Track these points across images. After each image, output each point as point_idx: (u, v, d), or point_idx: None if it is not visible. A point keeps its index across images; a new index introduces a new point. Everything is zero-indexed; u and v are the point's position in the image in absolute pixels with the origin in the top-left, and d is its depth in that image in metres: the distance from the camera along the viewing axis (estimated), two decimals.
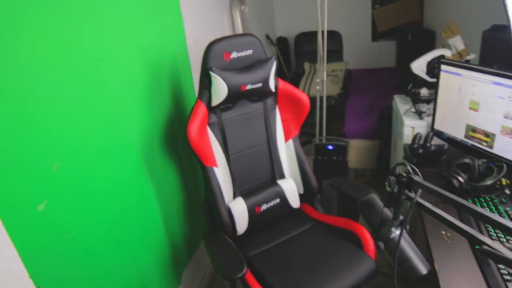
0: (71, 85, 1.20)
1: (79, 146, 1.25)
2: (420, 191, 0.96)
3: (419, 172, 0.99)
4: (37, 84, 1.07)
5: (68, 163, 1.21)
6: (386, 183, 1.03)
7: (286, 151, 1.96)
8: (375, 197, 1.14)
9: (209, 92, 1.65)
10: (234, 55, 1.67)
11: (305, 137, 3.61)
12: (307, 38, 4.25)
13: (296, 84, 3.92)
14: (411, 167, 0.99)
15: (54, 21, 1.12)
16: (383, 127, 3.05)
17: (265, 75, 1.72)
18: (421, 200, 0.96)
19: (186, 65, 2.03)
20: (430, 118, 2.10)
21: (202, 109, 1.64)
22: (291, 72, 4.31)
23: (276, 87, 1.85)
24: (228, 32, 2.89)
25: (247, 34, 1.75)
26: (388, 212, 1.09)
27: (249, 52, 1.71)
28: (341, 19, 4.30)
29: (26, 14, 1.02)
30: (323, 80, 2.63)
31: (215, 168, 1.72)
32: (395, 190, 1.02)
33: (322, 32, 2.64)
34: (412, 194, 0.99)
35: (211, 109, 1.70)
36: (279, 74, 4.35)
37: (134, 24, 1.56)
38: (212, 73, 1.59)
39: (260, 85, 1.72)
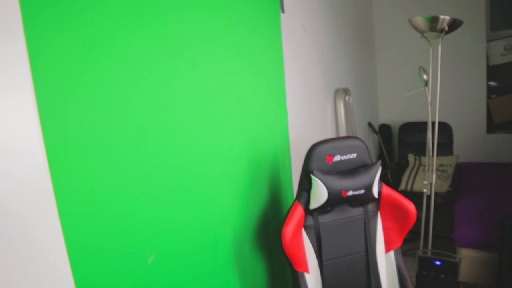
0: (175, 181, 1.26)
1: (174, 239, 1.28)
2: None
3: None
4: (146, 180, 1.14)
5: (163, 256, 1.22)
6: None
7: (386, 263, 1.76)
8: None
9: (308, 195, 1.60)
10: (337, 158, 1.62)
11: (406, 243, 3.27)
12: (413, 129, 4.05)
13: (398, 176, 3.68)
14: None
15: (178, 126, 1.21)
16: (505, 239, 2.62)
17: (369, 181, 1.62)
18: None
19: (287, 160, 2.04)
20: None
21: (299, 211, 1.58)
22: (393, 163, 4.09)
23: (379, 193, 1.72)
24: (330, 122, 2.89)
25: (352, 137, 1.70)
26: None
27: (353, 155, 1.65)
28: (451, 110, 4.04)
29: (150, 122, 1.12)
30: (432, 183, 2.40)
31: (306, 274, 1.60)
32: None
33: (433, 123, 2.46)
34: None
35: (308, 211, 1.63)
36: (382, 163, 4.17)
37: (242, 120, 1.63)
38: (313, 177, 1.55)
39: (362, 191, 1.61)
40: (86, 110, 0.97)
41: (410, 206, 1.71)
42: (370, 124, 4.04)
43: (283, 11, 2.06)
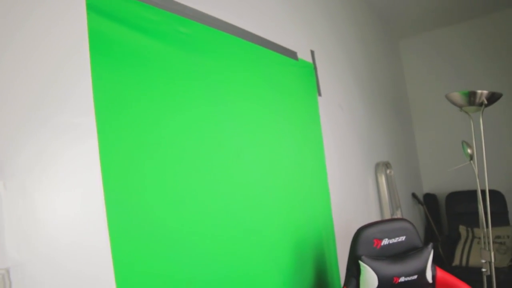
0: (219, 272, 1.26)
1: None
2: None
3: None
4: (194, 273, 1.14)
5: None
6: None
7: None
8: None
9: (356, 281, 1.53)
10: (385, 242, 1.57)
11: None
12: (461, 198, 3.86)
13: (450, 249, 3.45)
14: None
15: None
16: None
17: (421, 266, 1.54)
18: None
19: (331, 240, 1.99)
20: None
21: None
22: (443, 236, 3.85)
23: (433, 277, 1.62)
24: (372, 196, 2.83)
25: (400, 219, 1.65)
26: None
27: (402, 238, 1.59)
28: (501, 177, 3.85)
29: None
30: (490, 262, 2.22)
31: None
32: None
33: (483, 193, 2.32)
34: None
35: None
36: (429, 236, 3.95)
37: (286, 203, 1.64)
38: (361, 263, 1.50)
39: (415, 277, 1.53)
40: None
41: None
42: (414, 195, 3.90)
43: (320, 94, 2.15)
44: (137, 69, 1.09)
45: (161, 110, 1.14)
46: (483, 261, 2.25)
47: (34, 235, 0.74)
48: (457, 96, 2.11)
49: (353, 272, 1.55)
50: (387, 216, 2.91)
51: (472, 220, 3.62)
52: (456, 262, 3.33)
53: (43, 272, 0.74)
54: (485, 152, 2.22)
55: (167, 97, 1.17)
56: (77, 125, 0.87)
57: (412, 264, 1.53)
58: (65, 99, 0.86)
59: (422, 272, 1.54)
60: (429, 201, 4.13)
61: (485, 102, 2.04)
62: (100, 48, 0.97)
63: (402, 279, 1.51)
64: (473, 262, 3.28)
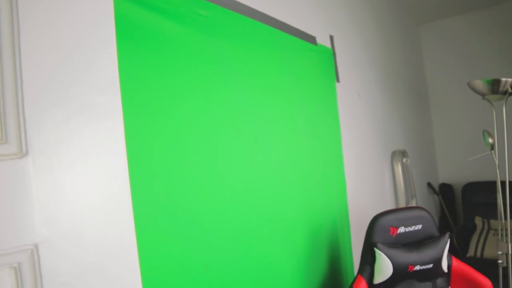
0: (237, 255, 1.27)
1: None
2: None
3: None
4: (209, 254, 1.16)
5: None
6: None
7: None
8: None
9: (371, 269, 1.53)
10: (401, 230, 1.56)
11: None
12: (478, 189, 3.79)
13: (465, 241, 3.42)
14: None
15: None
16: None
17: (437, 255, 1.52)
18: None
19: (345, 227, 1.99)
20: None
21: (362, 286, 1.51)
22: (458, 226, 3.82)
23: (449, 267, 1.61)
24: (388, 184, 2.81)
25: (417, 207, 1.64)
26: None
27: (418, 227, 1.58)
28: None
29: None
30: (507, 254, 2.19)
31: None
32: None
33: (502, 184, 2.28)
34: None
35: (372, 286, 1.55)
36: (444, 227, 3.91)
37: (302, 189, 1.64)
38: (377, 250, 1.49)
39: (430, 266, 1.52)
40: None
41: (486, 282, 1.57)
42: (429, 185, 3.86)
43: (338, 80, 2.12)
44: (158, 51, 1.09)
45: (182, 93, 1.14)
46: (500, 252, 2.22)
47: (61, 213, 0.76)
48: (480, 84, 2.06)
49: (368, 259, 1.55)
50: (402, 205, 2.89)
51: (489, 212, 3.57)
52: (470, 253, 3.31)
53: (70, 248, 0.76)
54: (507, 142, 2.18)
55: (187, 80, 1.17)
56: (103, 104, 0.88)
57: (428, 253, 1.52)
58: (91, 78, 0.87)
59: (437, 261, 1.53)
60: (444, 191, 4.08)
61: (510, 90, 1.98)
62: (124, 29, 0.97)
63: (417, 267, 1.50)
64: (488, 253, 3.25)
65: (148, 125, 1.02)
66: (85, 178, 0.83)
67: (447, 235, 1.57)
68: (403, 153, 3.01)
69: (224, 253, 1.23)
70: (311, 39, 1.93)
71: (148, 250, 0.97)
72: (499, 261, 2.24)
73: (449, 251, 1.62)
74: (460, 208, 4.02)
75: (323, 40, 2.06)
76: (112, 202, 0.89)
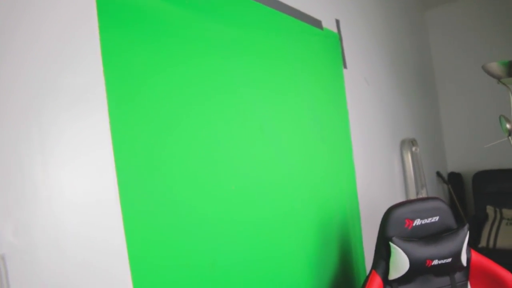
0: (246, 251, 1.20)
1: None
2: None
3: None
4: (216, 251, 1.08)
5: None
6: None
7: None
8: None
9: (386, 264, 1.45)
10: (417, 222, 1.47)
11: None
12: (489, 177, 3.69)
13: (477, 231, 3.32)
14: None
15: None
16: None
17: (456, 248, 1.44)
18: None
19: (356, 219, 1.91)
20: None
21: (376, 283, 1.43)
22: (469, 216, 3.73)
23: (468, 260, 1.52)
24: (398, 174, 2.72)
25: (433, 198, 1.55)
26: None
27: (435, 219, 1.49)
28: None
29: None
30: None
31: None
32: None
33: None
34: None
35: (387, 282, 1.47)
36: (454, 216, 3.81)
37: (311, 181, 1.56)
38: (392, 244, 1.41)
39: (449, 260, 1.43)
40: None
41: (508, 276, 1.49)
42: (439, 174, 3.76)
43: (345, 67, 2.02)
44: (151, 35, 0.99)
45: (177, 79, 1.05)
46: None
47: (36, 217, 0.66)
48: (495, 67, 1.95)
49: (383, 254, 1.46)
50: (412, 195, 2.80)
51: (501, 200, 3.47)
52: (482, 243, 3.22)
53: (47, 257, 0.66)
54: None
55: (184, 63, 1.07)
56: (84, 92, 0.78)
57: (446, 246, 1.43)
58: (72, 63, 0.77)
59: (457, 255, 1.44)
60: (454, 180, 3.98)
61: None
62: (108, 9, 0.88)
63: (435, 262, 1.41)
64: (501, 243, 3.16)
65: (138, 111, 0.92)
66: (63, 174, 0.73)
67: (466, 226, 1.48)
68: (413, 142, 2.90)
69: (231, 249, 1.15)
70: (316, 23, 1.82)
71: (141, 252, 0.88)
72: None
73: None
74: (471, 198, 3.92)
75: (329, 24, 1.96)
76: (97, 201, 0.79)
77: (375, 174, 2.32)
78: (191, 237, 1.03)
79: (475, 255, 1.54)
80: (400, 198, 2.66)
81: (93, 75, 0.81)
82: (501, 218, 3.32)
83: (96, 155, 0.80)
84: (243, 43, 1.32)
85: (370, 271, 1.46)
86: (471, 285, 1.55)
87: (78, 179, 0.76)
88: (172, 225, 0.97)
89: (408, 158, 2.84)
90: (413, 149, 2.89)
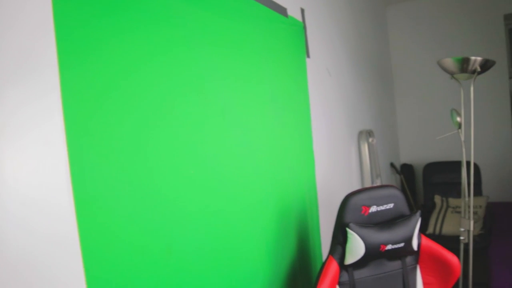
0: (203, 238, 1.18)
1: None
2: None
3: None
4: (171, 237, 1.05)
5: None
6: None
7: None
8: None
9: (342, 249, 1.49)
10: (373, 209, 1.52)
11: None
12: (438, 169, 3.90)
13: (424, 218, 3.51)
14: None
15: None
16: None
17: (409, 233, 1.50)
18: None
19: (314, 207, 1.94)
20: None
21: (333, 267, 1.47)
22: (418, 204, 3.93)
23: (418, 245, 1.60)
24: (355, 164, 2.80)
25: (388, 186, 1.60)
26: None
27: (390, 206, 1.55)
28: (478, 149, 3.90)
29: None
30: (469, 230, 2.25)
31: None
32: None
33: (467, 164, 2.32)
34: None
35: (343, 266, 1.52)
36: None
37: (270, 167, 1.56)
38: (349, 230, 1.45)
39: (402, 245, 1.50)
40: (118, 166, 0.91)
41: (454, 259, 1.58)
42: (392, 165, 3.93)
43: (308, 56, 2.04)
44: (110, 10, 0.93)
45: (136, 55, 1.00)
46: (462, 229, 2.28)
47: None
48: (450, 62, 2.04)
49: (339, 239, 1.50)
50: (368, 184, 2.90)
51: (448, 190, 3.70)
52: (430, 230, 3.41)
53: None
54: (473, 121, 2.21)
55: (142, 43, 1.02)
56: (29, 55, 0.72)
57: (399, 232, 1.49)
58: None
59: (409, 240, 1.51)
60: (406, 171, 4.17)
61: (478, 69, 1.98)
62: None
63: (389, 246, 1.47)
64: (446, 230, 3.36)
65: (92, 80, 0.86)
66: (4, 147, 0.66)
67: (418, 213, 1.55)
68: (370, 133, 3.00)
69: (189, 236, 1.13)
70: (282, 10, 1.81)
71: (94, 237, 0.83)
72: (461, 238, 2.30)
73: None
74: (421, 188, 4.13)
75: (294, 12, 1.95)
76: (45, 183, 0.74)
77: (334, 164, 2.37)
78: (146, 221, 0.99)
79: (425, 240, 1.62)
80: (356, 187, 2.74)
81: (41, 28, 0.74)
82: (447, 206, 3.53)
83: (41, 130, 0.75)
84: (206, 24, 1.27)
85: (327, 257, 1.50)
86: (420, 268, 1.64)
87: (24, 154, 0.70)
88: (126, 208, 0.93)
89: (365, 149, 2.93)
90: (370, 140, 2.99)
